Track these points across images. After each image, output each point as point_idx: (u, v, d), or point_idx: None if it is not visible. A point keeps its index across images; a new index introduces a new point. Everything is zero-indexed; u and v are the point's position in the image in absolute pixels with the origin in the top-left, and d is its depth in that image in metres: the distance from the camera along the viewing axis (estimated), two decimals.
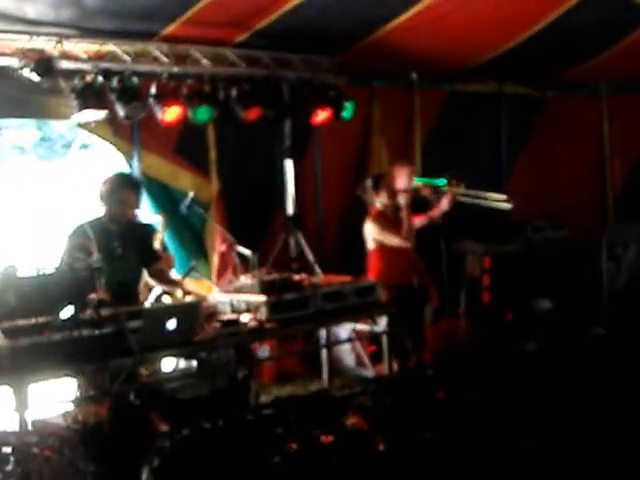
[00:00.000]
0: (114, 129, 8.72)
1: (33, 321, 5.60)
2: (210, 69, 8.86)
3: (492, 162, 12.11)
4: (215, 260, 9.16)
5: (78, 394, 5.84)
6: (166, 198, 8.86)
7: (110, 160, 9.92)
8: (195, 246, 9.14)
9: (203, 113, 8.69)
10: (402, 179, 8.74)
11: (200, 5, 7.84)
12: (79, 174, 15.23)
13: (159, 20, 8.15)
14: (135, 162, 8.89)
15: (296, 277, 7.23)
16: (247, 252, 7.04)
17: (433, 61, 10.22)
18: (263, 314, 6.51)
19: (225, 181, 9.42)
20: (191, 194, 8.03)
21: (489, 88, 11.83)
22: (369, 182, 8.57)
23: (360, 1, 8.47)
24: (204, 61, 8.78)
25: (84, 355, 5.54)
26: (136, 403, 5.89)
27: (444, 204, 8.60)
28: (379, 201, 8.40)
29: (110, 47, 8.22)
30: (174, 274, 7.90)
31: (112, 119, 8.43)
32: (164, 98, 8.48)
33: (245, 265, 7.58)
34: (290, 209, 9.70)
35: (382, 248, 8.32)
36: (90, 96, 8.02)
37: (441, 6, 8.57)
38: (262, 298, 6.58)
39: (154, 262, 7.22)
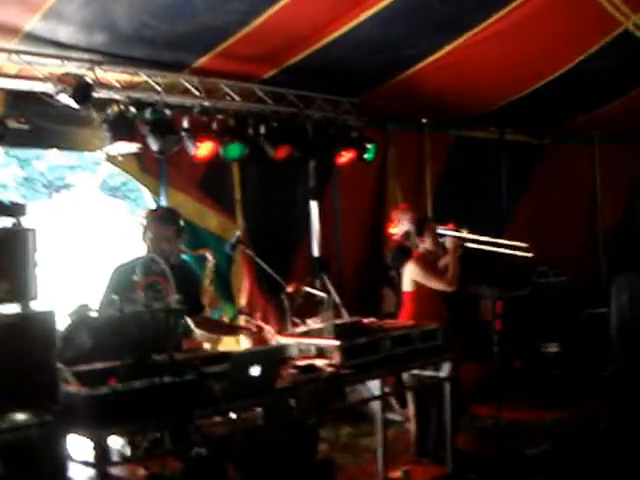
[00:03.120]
0: (140, 164, 7.64)
1: (108, 365, 4.48)
2: (240, 104, 7.86)
3: (494, 207, 11.42)
4: (242, 302, 8.12)
5: (147, 445, 4.68)
6: (194, 238, 7.69)
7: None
8: (221, 288, 8.02)
9: (234, 150, 7.67)
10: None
11: (234, 38, 6.90)
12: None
13: (192, 51, 7.17)
14: (163, 199, 7.80)
15: (365, 321, 6.24)
16: (320, 294, 5.99)
17: (443, 107, 9.51)
18: (337, 359, 5.48)
19: (250, 222, 8.38)
20: (238, 233, 7.01)
21: (491, 135, 11.20)
22: (412, 227, 7.64)
23: (390, 42, 7.62)
24: (234, 96, 7.78)
25: (167, 405, 4.42)
26: (209, 455, 4.81)
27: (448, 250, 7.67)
28: (423, 246, 7.44)
29: (142, 77, 7.19)
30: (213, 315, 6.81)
31: (138, 153, 7.38)
32: (197, 133, 7.44)
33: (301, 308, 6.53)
34: (316, 251, 8.71)
35: (420, 291, 7.35)
36: (123, 127, 6.95)
37: (462, 51, 7.85)
38: (335, 342, 5.54)
39: (200, 312, 6.08)
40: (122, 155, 7.33)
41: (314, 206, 8.86)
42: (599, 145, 11.96)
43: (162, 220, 5.87)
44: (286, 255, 8.75)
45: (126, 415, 4.29)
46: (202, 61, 7.28)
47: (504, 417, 7.68)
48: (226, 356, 5.16)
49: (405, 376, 7.02)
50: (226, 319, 6.83)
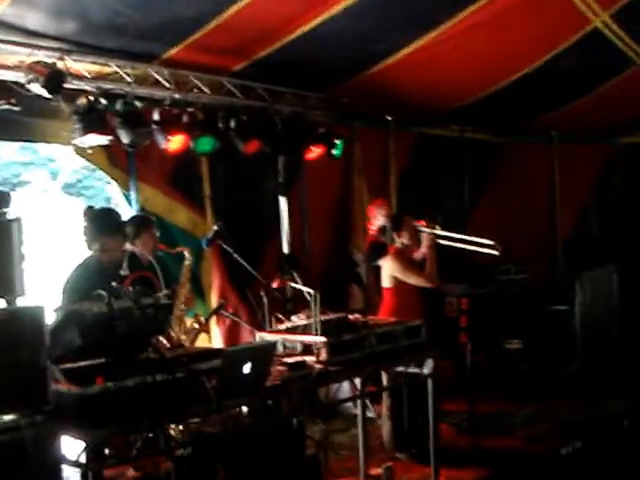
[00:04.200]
0: (110, 157, 7.35)
1: (97, 363, 4.23)
2: (210, 97, 7.61)
3: (456, 205, 11.36)
4: (214, 299, 7.87)
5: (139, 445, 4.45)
6: (163, 234, 7.39)
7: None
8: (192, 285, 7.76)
9: (206, 144, 7.41)
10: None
11: (206, 29, 6.64)
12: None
13: (163, 42, 6.88)
14: (132, 194, 7.52)
15: (350, 317, 6.05)
16: (307, 290, 5.75)
17: (409, 104, 9.35)
18: (324, 356, 5.28)
19: (219, 217, 8.08)
20: (215, 227, 6.75)
21: (452, 133, 11.09)
22: (388, 222, 7.50)
23: (360, 36, 7.41)
24: (203, 88, 7.53)
25: (160, 404, 4.18)
26: (198, 454, 4.59)
27: (425, 246, 7.55)
28: (400, 241, 7.30)
29: (112, 68, 6.88)
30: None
31: (107, 147, 7.09)
32: (168, 126, 7.17)
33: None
34: (285, 247, 8.48)
35: (400, 287, 7.22)
36: (95, 119, 6.63)
37: (431, 47, 7.66)
38: (322, 339, 5.35)
39: None
40: (91, 148, 7.02)
41: (283, 202, 8.64)
42: (558, 144, 11.92)
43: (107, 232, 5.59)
44: (255, 251, 8.47)
45: (119, 415, 4.04)
46: (173, 52, 7.00)
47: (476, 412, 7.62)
48: (215, 353, 4.97)
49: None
50: (202, 318, 6.55)
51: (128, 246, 6.22)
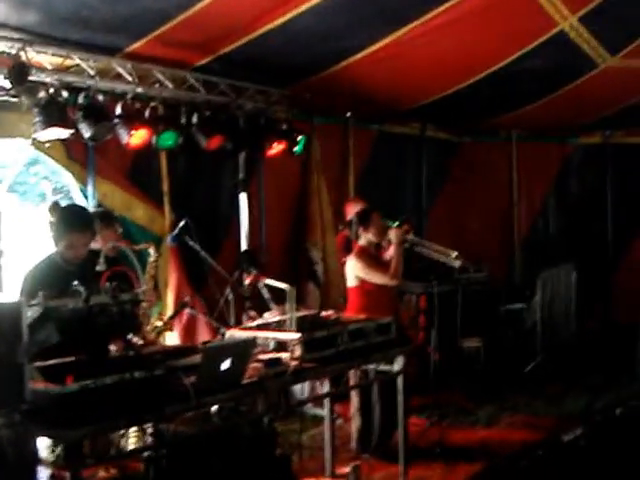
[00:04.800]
0: (68, 151, 7.37)
1: (74, 360, 4.29)
2: (172, 92, 7.67)
3: (414, 203, 11.54)
4: (170, 297, 7.93)
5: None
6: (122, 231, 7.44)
7: None
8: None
9: (168, 139, 7.48)
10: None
11: (172, 23, 6.70)
12: None
13: (127, 35, 6.93)
14: (90, 190, 7.55)
15: (323, 314, 6.16)
16: (283, 286, 5.83)
17: (371, 101, 9.55)
18: (298, 352, 5.39)
19: (178, 213, 8.13)
20: (181, 224, 6.80)
21: (412, 130, 11.30)
22: (355, 217, 7.45)
23: (328, 34, 7.56)
24: (166, 83, 7.60)
25: (139, 401, 4.25)
26: (170, 455, 4.68)
27: (392, 244, 7.60)
28: (366, 237, 7.33)
29: (74, 60, 6.90)
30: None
31: (65, 140, 7.11)
32: (130, 120, 7.22)
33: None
34: (244, 244, 8.58)
35: (364, 286, 7.24)
36: (55, 113, 6.64)
37: (398, 45, 7.83)
38: (296, 335, 5.46)
39: None
40: (49, 142, 7.04)
41: (243, 198, 8.72)
42: (517, 143, 12.18)
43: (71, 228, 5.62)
44: (214, 248, 8.54)
45: (98, 413, 4.09)
46: (136, 46, 7.06)
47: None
48: (189, 350, 5.06)
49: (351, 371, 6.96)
50: (166, 317, 6.61)
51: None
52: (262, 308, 7.28)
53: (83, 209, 6.35)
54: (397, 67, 8.43)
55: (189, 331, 7.84)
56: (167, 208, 8.15)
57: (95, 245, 6.30)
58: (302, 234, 9.68)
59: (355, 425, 7.25)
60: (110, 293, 4.41)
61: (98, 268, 4.68)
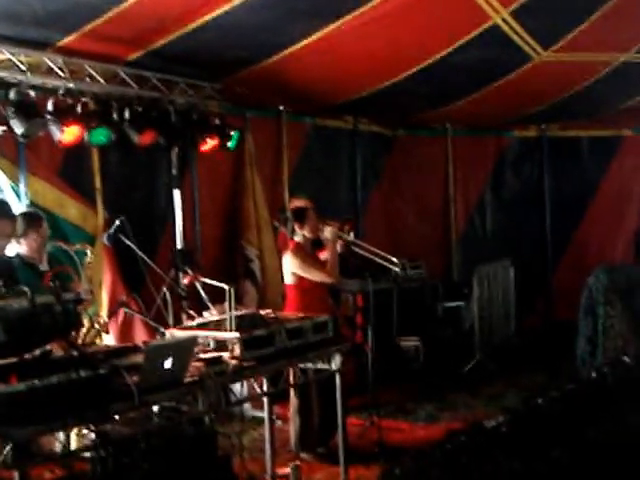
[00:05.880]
0: None
1: (17, 360, 4.57)
2: (103, 87, 7.94)
3: (349, 197, 11.89)
4: (104, 297, 8.19)
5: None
6: (54, 230, 7.60)
7: None
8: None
9: (100, 135, 7.73)
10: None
11: (105, 17, 6.96)
12: None
13: (60, 29, 7.17)
14: (22, 187, 7.76)
15: (262, 312, 6.50)
16: (223, 286, 6.13)
17: (305, 95, 9.90)
18: (238, 351, 5.74)
19: (110, 211, 8.37)
20: (117, 222, 7.07)
21: (346, 124, 11.67)
22: (291, 214, 7.79)
23: (262, 27, 7.83)
24: (98, 78, 7.86)
25: (85, 401, 4.56)
26: (113, 455, 4.98)
27: (328, 241, 7.95)
28: (302, 234, 7.65)
29: (5, 55, 7.11)
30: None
31: None
32: (63, 116, 7.46)
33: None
34: (179, 243, 8.86)
35: (301, 283, 7.59)
36: None
37: (332, 39, 8.13)
38: (236, 334, 5.79)
39: None
40: None
41: (177, 195, 8.99)
42: (453, 137, 12.62)
43: None
44: (148, 247, 8.77)
45: (45, 412, 4.36)
46: (68, 40, 7.30)
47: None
48: (130, 349, 5.36)
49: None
50: (101, 318, 6.88)
51: (15, 245, 6.52)
52: (200, 307, 7.59)
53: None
54: (330, 61, 8.76)
55: (125, 332, 8.09)
56: (100, 206, 8.38)
57: (20, 249, 6.55)
58: (237, 231, 9.97)
59: (294, 426, 7.57)
60: (54, 292, 4.69)
61: (42, 268, 4.96)
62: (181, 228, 8.98)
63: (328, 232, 7.64)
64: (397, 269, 8.44)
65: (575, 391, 5.58)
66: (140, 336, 7.94)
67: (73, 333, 5.13)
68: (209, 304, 8.17)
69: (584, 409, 5.18)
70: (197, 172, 9.60)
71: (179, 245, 8.90)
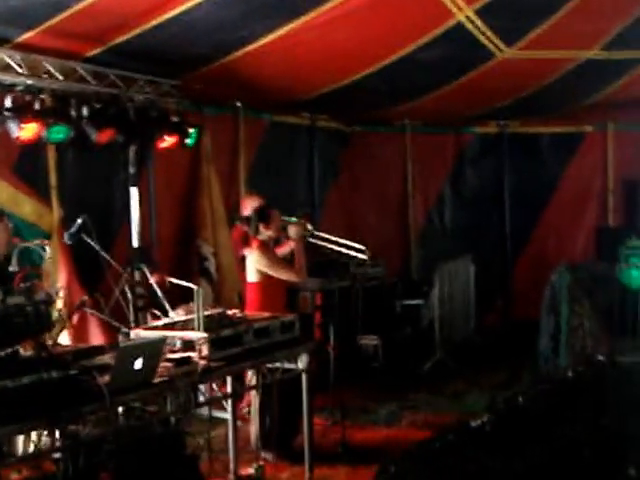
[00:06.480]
0: None
1: None
2: (62, 84, 8.08)
3: (307, 194, 12.11)
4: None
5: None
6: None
7: None
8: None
9: (58, 132, 7.86)
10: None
11: (67, 13, 7.08)
12: None
13: (19, 26, 7.30)
14: None
15: (229, 312, 6.70)
16: (191, 285, 6.31)
17: (264, 91, 10.08)
18: (206, 351, 5.94)
19: (66, 209, 8.54)
20: (79, 221, 7.22)
21: (303, 121, 11.88)
22: (254, 214, 7.95)
23: (224, 24, 8.00)
24: (56, 74, 8.00)
25: (58, 401, 4.75)
26: (80, 456, 5.16)
27: (293, 240, 8.16)
28: (266, 233, 7.85)
29: None
30: None
31: None
32: (21, 113, 7.59)
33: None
34: (135, 241, 9.01)
35: (265, 281, 7.78)
36: None
37: (294, 36, 8.30)
38: (203, 335, 6.00)
39: None
40: None
41: (134, 193, 9.12)
42: (412, 134, 12.88)
43: None
44: (106, 244, 8.86)
45: (17, 413, 4.54)
46: (27, 36, 7.42)
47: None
48: (97, 350, 5.55)
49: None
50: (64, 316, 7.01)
51: None
52: (156, 307, 7.77)
53: None
54: (291, 58, 8.95)
55: (80, 332, 8.21)
56: (55, 203, 8.51)
57: None
58: (193, 229, 10.13)
59: (255, 425, 7.74)
60: (25, 293, 4.87)
61: (11, 268, 5.12)
62: (138, 226, 9.08)
63: (293, 231, 7.85)
64: (364, 256, 8.67)
65: (551, 390, 5.84)
66: (96, 337, 8.07)
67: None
68: (166, 303, 8.38)
69: (562, 408, 5.44)
70: (154, 169, 9.72)
71: (135, 243, 9.01)
